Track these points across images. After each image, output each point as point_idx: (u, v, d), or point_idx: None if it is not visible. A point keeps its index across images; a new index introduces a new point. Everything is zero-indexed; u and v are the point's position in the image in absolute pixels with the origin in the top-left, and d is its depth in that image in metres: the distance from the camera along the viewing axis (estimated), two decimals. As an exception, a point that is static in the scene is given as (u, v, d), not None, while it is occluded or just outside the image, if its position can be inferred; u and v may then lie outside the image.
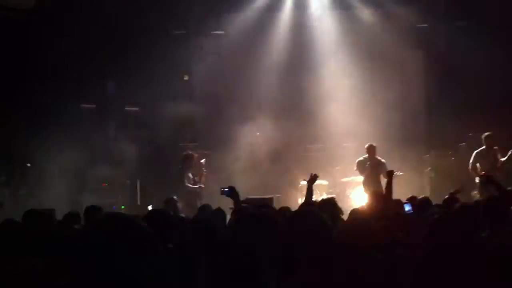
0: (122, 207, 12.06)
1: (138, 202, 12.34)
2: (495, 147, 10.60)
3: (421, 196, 6.64)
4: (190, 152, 11.42)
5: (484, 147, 10.63)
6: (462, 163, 11.59)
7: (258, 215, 3.84)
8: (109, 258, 1.87)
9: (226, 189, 5.92)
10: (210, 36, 13.41)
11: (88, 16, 12.07)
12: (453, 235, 3.30)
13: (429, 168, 12.41)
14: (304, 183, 11.41)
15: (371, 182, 10.55)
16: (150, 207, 8.01)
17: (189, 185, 10.81)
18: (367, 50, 13.10)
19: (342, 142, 12.68)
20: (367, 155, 10.95)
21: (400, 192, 7.93)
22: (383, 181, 10.13)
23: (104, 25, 12.36)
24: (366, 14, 13.35)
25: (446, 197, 6.60)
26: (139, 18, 12.53)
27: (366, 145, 11.01)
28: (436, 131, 12.66)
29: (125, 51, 12.40)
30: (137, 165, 12.13)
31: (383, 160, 10.82)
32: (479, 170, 10.40)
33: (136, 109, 13.10)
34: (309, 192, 6.35)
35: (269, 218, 3.40)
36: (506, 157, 10.39)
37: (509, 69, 12.26)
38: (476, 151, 10.71)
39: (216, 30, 13.41)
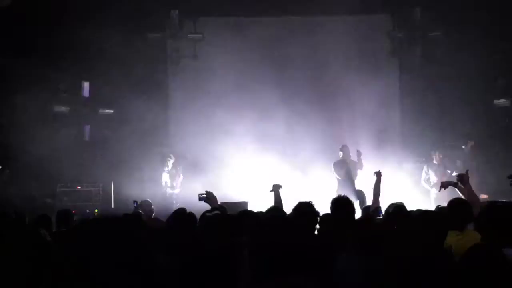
0: (96, 211, 11.93)
1: (113, 205, 12.19)
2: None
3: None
4: (169, 154, 11.39)
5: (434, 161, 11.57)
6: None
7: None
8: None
9: (203, 195, 6.07)
10: (186, 40, 13.36)
11: (63, 16, 11.95)
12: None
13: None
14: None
15: (347, 184, 10.50)
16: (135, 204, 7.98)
17: (167, 188, 10.80)
18: (343, 57, 13.15)
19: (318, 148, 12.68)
20: (342, 155, 11.16)
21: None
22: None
23: (80, 26, 12.25)
24: (342, 20, 13.42)
25: None
26: (115, 20, 12.42)
27: (340, 147, 11.25)
28: (412, 139, 12.78)
29: (100, 54, 12.27)
30: (111, 168, 11.98)
31: (355, 160, 10.98)
32: (431, 183, 11.47)
33: (111, 111, 12.95)
34: (276, 197, 6.35)
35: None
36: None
37: (481, 79, 12.50)
38: (425, 165, 11.67)
39: (193, 34, 13.37)
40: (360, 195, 8.52)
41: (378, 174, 7.06)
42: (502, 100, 13.05)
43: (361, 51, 13.19)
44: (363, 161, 11.01)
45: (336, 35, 13.21)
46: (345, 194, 9.64)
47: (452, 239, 4.34)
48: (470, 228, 4.66)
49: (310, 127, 12.35)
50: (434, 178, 11.39)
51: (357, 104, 12.56)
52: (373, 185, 7.00)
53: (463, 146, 11.95)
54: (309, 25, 13.56)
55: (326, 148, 12.19)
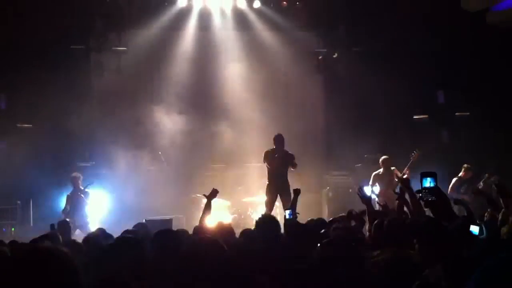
0: (13, 229, 11.42)
1: (31, 224, 11.69)
2: (392, 168, 10.91)
3: (316, 218, 6.80)
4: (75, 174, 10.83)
5: (382, 169, 10.93)
6: (358, 183, 12.11)
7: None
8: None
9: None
10: (111, 52, 13.10)
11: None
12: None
13: (327, 188, 12.74)
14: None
15: (279, 173, 10.11)
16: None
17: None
18: (269, 73, 13.33)
19: (244, 163, 12.75)
20: (275, 146, 10.20)
21: (300, 210, 8.11)
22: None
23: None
24: (268, 37, 13.61)
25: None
26: (37, 32, 12.03)
27: (275, 135, 10.30)
28: (335, 152, 13.05)
29: (19, 65, 11.81)
30: (30, 185, 11.50)
31: (290, 152, 10.27)
32: (377, 190, 10.77)
33: (30, 125, 12.43)
34: (207, 206, 6.46)
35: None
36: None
37: (401, 94, 12.97)
38: (374, 173, 10.99)
39: (117, 47, 13.12)
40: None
41: (297, 192, 7.34)
42: (421, 116, 13.69)
43: (287, 67, 13.45)
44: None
45: (262, 50, 13.48)
46: (275, 183, 9.82)
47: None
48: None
49: (235, 140, 12.43)
50: (381, 187, 10.81)
51: (282, 119, 12.76)
52: (292, 200, 7.43)
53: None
54: (237, 41, 13.64)
55: (251, 163, 12.27)
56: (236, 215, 12.06)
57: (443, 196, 3.96)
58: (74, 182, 10.64)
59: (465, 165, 11.16)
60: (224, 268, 2.77)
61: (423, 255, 3.86)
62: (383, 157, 11.08)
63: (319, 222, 6.39)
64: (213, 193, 6.74)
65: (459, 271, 3.64)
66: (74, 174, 10.83)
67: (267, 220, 5.39)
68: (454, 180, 11.03)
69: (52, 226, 6.71)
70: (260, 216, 5.60)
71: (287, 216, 6.31)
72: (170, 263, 3.56)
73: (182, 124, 12.61)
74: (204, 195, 6.79)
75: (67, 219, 8.07)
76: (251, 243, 4.81)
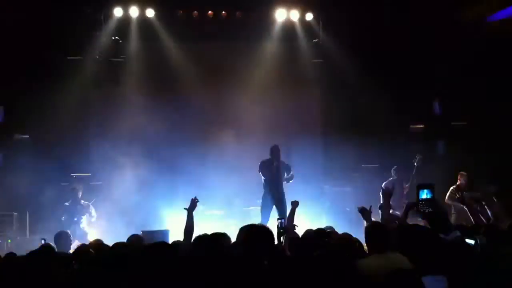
0: (9, 241, 11.36)
1: (28, 236, 11.65)
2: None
3: (316, 228, 6.77)
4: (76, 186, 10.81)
5: (391, 178, 11.14)
6: (356, 193, 12.14)
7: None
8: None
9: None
10: (108, 63, 13.09)
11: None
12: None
13: (325, 197, 12.72)
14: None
15: (274, 184, 10.24)
16: (42, 241, 7.37)
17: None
18: (268, 82, 13.32)
19: (243, 172, 12.70)
20: (271, 156, 10.45)
21: (299, 220, 8.09)
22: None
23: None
24: (267, 47, 13.60)
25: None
26: (34, 43, 12.05)
27: (271, 146, 10.50)
28: (332, 162, 13.04)
29: (16, 76, 11.82)
30: (26, 196, 11.46)
31: (287, 163, 10.56)
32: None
33: (26, 136, 12.42)
34: (189, 219, 6.26)
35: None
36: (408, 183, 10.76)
37: (397, 104, 12.99)
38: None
39: (115, 57, 13.11)
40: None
41: (295, 204, 7.27)
42: (417, 126, 13.73)
43: (286, 78, 13.46)
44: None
45: (259, 61, 13.46)
46: (271, 194, 9.80)
47: (372, 262, 4.42)
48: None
49: (235, 149, 12.42)
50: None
51: (282, 130, 12.80)
52: (288, 213, 7.34)
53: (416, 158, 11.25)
54: (237, 49, 13.65)
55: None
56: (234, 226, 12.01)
57: (441, 207, 3.97)
58: (74, 194, 10.66)
59: (461, 172, 11.20)
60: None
61: (418, 264, 3.85)
62: (395, 167, 11.37)
63: (318, 232, 6.38)
64: (193, 204, 6.53)
65: (460, 283, 3.65)
66: (75, 186, 10.86)
67: (258, 230, 5.26)
68: (452, 188, 11.07)
69: (44, 240, 6.66)
70: (248, 225, 5.49)
71: (279, 225, 6.26)
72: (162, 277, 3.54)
73: (181, 134, 12.60)
74: (185, 208, 6.46)
75: (67, 230, 8.01)
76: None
